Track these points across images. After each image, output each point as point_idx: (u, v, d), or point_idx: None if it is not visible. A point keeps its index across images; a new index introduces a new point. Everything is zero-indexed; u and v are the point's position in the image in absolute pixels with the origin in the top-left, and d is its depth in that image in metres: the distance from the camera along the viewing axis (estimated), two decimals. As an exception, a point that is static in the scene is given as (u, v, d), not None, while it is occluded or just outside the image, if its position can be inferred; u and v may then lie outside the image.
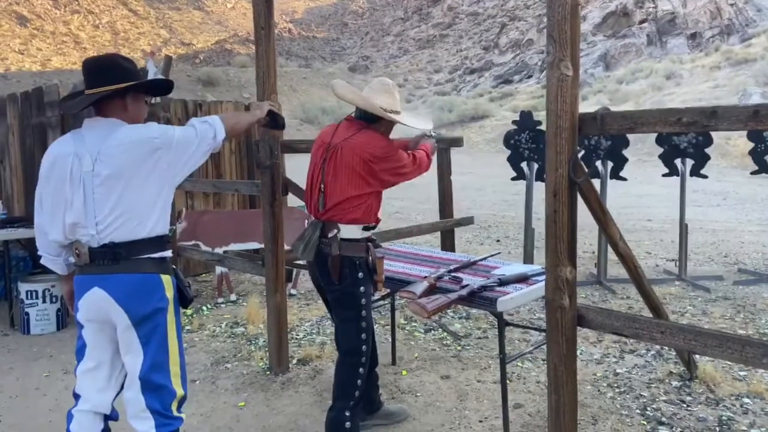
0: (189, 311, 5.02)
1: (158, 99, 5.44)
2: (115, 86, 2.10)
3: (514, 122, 6.08)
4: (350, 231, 2.54)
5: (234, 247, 5.29)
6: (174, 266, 2.24)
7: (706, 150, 5.71)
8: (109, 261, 2.06)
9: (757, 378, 3.48)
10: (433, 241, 7.36)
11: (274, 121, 2.78)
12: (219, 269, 5.39)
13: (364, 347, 2.55)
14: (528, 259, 5.87)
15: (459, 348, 4.12)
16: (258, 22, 3.62)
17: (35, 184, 2.20)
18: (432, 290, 2.79)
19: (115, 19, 65.75)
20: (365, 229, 2.59)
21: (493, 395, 3.33)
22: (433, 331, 4.45)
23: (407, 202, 11.88)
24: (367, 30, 57.97)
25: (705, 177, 5.86)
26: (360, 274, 2.54)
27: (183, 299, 2.25)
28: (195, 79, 32.66)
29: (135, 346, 2.09)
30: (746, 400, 3.25)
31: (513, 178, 6.13)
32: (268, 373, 3.75)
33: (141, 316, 2.07)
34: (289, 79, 35.59)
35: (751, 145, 6.00)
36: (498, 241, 8.10)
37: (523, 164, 5.97)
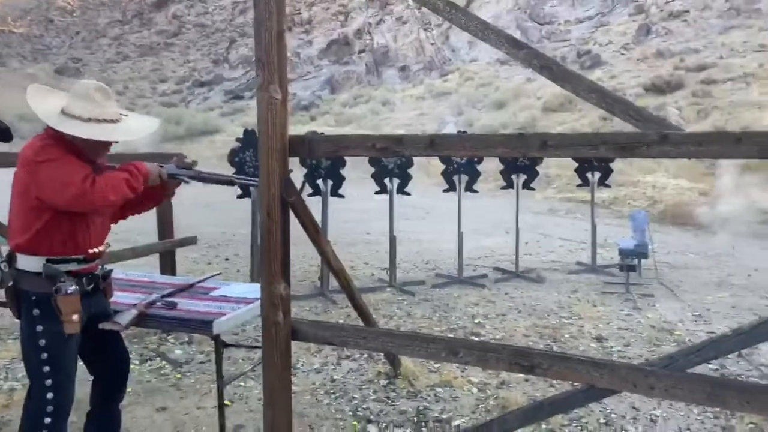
0: None
1: None
2: None
3: (238, 140, 6.09)
4: (26, 261, 2.21)
5: None
6: None
7: (409, 170, 6.51)
8: None
9: (447, 368, 4.04)
10: (155, 263, 6.89)
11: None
12: None
13: (50, 395, 2.20)
14: (255, 277, 5.89)
15: (179, 376, 3.91)
16: None
17: None
18: (143, 318, 2.61)
19: None
20: (53, 261, 2.22)
21: (212, 420, 3.23)
22: (150, 361, 4.14)
23: (134, 222, 10.90)
24: (78, 29, 51.98)
25: (408, 194, 6.67)
26: (36, 311, 2.20)
27: None
28: None
29: None
30: (439, 389, 3.75)
31: (239, 196, 6.14)
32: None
33: None
34: (-24, 77, 29.89)
35: (443, 166, 7.01)
36: (227, 259, 7.96)
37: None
